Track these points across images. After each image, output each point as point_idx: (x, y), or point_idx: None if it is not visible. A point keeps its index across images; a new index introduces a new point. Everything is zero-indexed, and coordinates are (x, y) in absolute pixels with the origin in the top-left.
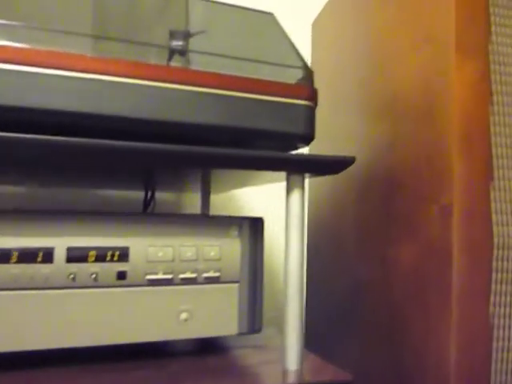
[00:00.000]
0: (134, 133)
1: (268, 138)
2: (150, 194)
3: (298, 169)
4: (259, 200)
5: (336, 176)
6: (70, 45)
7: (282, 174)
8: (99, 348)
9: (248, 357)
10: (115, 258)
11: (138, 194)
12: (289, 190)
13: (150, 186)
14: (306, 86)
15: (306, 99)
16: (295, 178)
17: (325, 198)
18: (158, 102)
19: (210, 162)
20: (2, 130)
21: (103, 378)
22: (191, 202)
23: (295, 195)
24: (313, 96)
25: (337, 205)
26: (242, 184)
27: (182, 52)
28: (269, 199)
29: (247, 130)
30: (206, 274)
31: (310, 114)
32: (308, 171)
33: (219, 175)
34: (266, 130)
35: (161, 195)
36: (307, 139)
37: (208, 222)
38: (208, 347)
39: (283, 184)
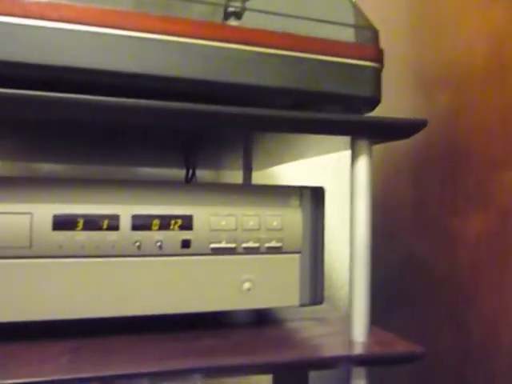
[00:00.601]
0: (194, 95)
1: (332, 102)
2: (191, 171)
3: (365, 133)
4: (299, 178)
5: (388, 146)
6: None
7: (341, 143)
8: (162, 317)
9: (310, 328)
10: (179, 227)
11: (179, 172)
12: (354, 158)
13: (190, 163)
14: (372, 47)
15: (372, 60)
16: (362, 143)
17: (375, 168)
18: (219, 63)
19: (274, 125)
20: (61, 92)
21: (168, 347)
22: (232, 179)
23: (362, 163)
24: (379, 57)
25: (389, 176)
26: (293, 157)
27: (238, 13)
28: (309, 177)
29: (310, 92)
30: (267, 244)
31: (376, 75)
32: (377, 135)
33: (267, 148)
34: (330, 93)
35: (202, 173)
36: (373, 103)
37: (269, 191)
38: (265, 319)
39: (324, 162)
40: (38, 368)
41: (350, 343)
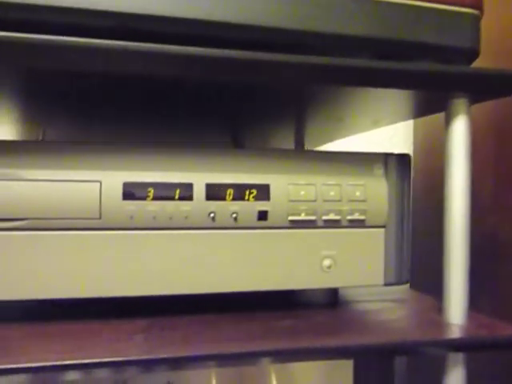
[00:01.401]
0: (269, 44)
1: (425, 53)
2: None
3: (469, 87)
4: None
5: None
6: None
7: (406, 111)
8: (233, 295)
9: (393, 310)
10: (255, 197)
11: None
12: (450, 121)
13: (238, 141)
14: None
15: (471, 6)
16: (460, 102)
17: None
18: (305, 10)
19: (363, 78)
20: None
21: (245, 327)
22: None
23: (460, 126)
24: (479, 2)
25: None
26: (347, 131)
27: None
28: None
29: (401, 42)
30: (350, 217)
31: (475, 24)
32: (482, 91)
33: (322, 121)
34: (424, 43)
35: None
36: (471, 55)
37: (350, 158)
38: (342, 299)
39: (378, 139)
40: (114, 347)
41: (447, 326)
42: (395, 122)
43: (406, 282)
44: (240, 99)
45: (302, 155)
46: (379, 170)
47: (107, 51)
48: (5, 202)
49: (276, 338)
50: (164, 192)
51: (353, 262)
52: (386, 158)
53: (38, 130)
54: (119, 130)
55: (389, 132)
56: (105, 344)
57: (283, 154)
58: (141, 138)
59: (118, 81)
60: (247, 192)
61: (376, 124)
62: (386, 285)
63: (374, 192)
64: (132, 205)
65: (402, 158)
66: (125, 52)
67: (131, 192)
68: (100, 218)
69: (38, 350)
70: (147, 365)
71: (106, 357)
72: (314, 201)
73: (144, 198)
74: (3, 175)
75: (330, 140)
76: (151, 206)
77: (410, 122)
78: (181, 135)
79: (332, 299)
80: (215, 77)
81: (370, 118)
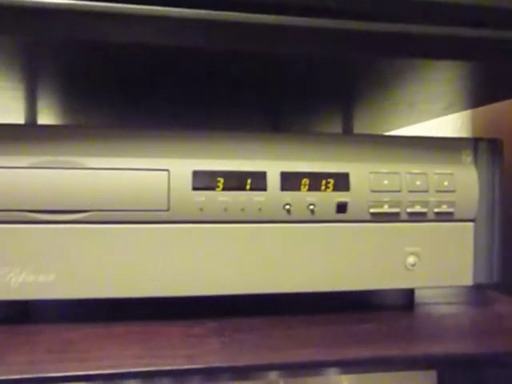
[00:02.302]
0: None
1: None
2: None
3: None
4: None
5: None
6: None
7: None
8: (305, 295)
9: (483, 313)
10: (333, 187)
11: None
12: None
13: (279, 128)
14: None
15: None
16: None
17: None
18: None
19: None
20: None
21: (323, 331)
22: None
23: None
24: None
25: None
26: (396, 123)
27: None
28: None
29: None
30: (437, 209)
31: None
32: None
33: (372, 111)
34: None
35: None
36: None
37: (436, 144)
38: (420, 300)
39: (421, 131)
40: (192, 353)
41: None
42: (467, 107)
43: (498, 283)
44: (300, 79)
45: (383, 141)
46: (468, 157)
47: (163, 19)
48: (66, 193)
49: (355, 345)
50: (235, 182)
51: (439, 260)
52: (475, 143)
53: (79, 116)
54: (157, 115)
55: (433, 124)
56: (180, 349)
57: (363, 139)
58: (177, 123)
59: (168, 59)
60: (324, 182)
61: (447, 110)
62: (475, 286)
63: (463, 182)
64: (202, 195)
65: (494, 144)
66: (182, 20)
67: (201, 182)
68: (168, 209)
69: (111, 355)
70: (232, 372)
71: (186, 364)
72: (399, 191)
73: (213, 189)
74: (64, 163)
75: (390, 129)
76: (222, 197)
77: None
78: (219, 121)
79: (408, 301)
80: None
81: (443, 102)
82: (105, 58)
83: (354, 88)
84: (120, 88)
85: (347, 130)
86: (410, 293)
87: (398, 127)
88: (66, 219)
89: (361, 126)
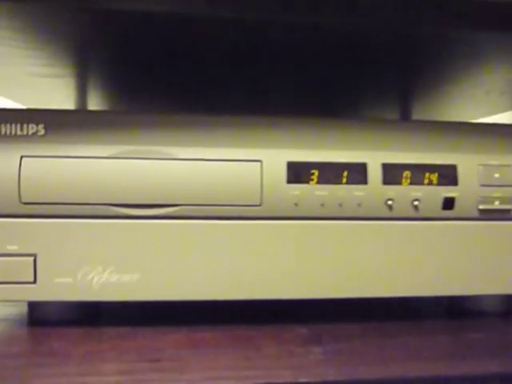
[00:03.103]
0: None
1: None
2: None
3: None
4: None
5: None
6: None
7: None
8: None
9: None
10: (438, 180)
11: None
12: None
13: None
14: None
15: None
16: None
17: None
18: None
19: None
20: None
21: (437, 338)
22: None
23: None
24: None
25: None
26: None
27: None
28: None
29: None
30: None
31: None
32: None
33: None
34: None
35: None
36: None
37: None
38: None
39: None
40: (296, 363)
41: None
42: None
43: None
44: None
45: (491, 129)
46: None
47: None
48: (152, 186)
49: (479, 357)
50: (331, 174)
51: None
52: None
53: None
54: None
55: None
56: (281, 359)
57: (469, 127)
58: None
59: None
60: (427, 175)
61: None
62: None
63: None
64: (297, 189)
65: None
66: None
67: (296, 174)
68: (260, 204)
69: (211, 366)
70: None
71: (301, 376)
72: (511, 186)
73: (308, 182)
74: (151, 153)
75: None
76: (319, 191)
77: None
78: (271, 108)
79: (507, 307)
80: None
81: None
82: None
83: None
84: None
85: (406, 118)
86: (509, 299)
87: (472, 118)
88: (153, 214)
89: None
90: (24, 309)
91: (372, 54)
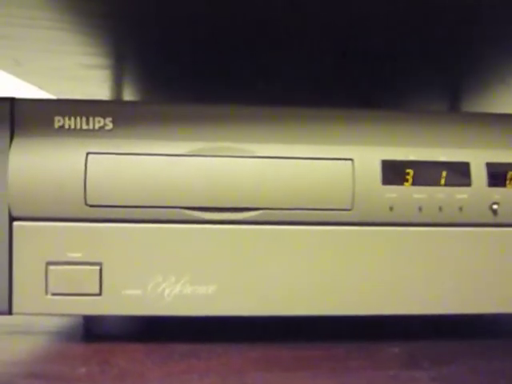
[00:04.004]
0: None
1: None
2: None
3: None
4: None
5: None
6: None
7: None
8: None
9: None
10: None
11: None
12: None
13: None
14: None
15: None
16: None
17: None
18: None
19: None
20: None
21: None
22: None
23: None
24: None
25: None
26: None
27: None
28: None
29: None
30: None
31: None
32: None
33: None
34: None
35: None
36: None
37: None
38: None
39: None
40: None
41: None
42: None
43: None
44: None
45: None
46: None
47: None
48: (231, 187)
49: None
50: (428, 174)
51: None
52: None
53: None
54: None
55: None
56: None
57: None
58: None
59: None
60: None
61: None
62: None
63: None
64: (393, 191)
65: None
66: None
67: (391, 174)
68: (351, 208)
69: None
70: None
71: None
72: None
73: (402, 183)
74: (229, 150)
75: None
76: (417, 193)
77: None
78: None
79: None
80: None
81: None
82: None
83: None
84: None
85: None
86: None
87: None
88: (231, 219)
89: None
90: (75, 320)
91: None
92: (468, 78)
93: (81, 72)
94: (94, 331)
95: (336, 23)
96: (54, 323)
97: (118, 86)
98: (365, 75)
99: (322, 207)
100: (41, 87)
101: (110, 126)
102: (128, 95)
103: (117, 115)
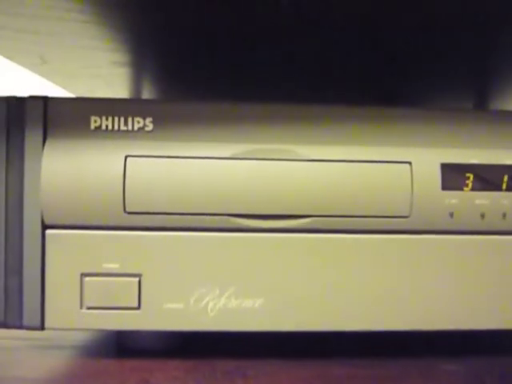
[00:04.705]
0: None
1: None
2: None
3: None
4: None
5: None
6: None
7: None
8: None
9: None
10: None
11: None
12: None
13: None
14: None
15: None
16: None
17: None
18: None
19: None
20: None
21: None
22: None
23: None
24: None
25: None
26: None
27: None
28: None
29: None
30: None
31: None
32: None
33: None
34: None
35: None
36: None
37: None
38: None
39: None
40: None
41: None
42: None
43: None
44: None
45: None
46: None
47: None
48: (281, 192)
49: None
50: (489, 178)
51: None
52: None
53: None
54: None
55: None
56: None
57: None
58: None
59: None
60: None
61: None
62: None
63: None
64: (454, 197)
65: None
66: None
67: (451, 178)
68: (409, 215)
69: None
70: None
71: None
72: None
73: (462, 188)
74: (278, 153)
75: None
76: (479, 199)
77: None
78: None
79: None
80: None
81: None
82: None
83: None
84: None
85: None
86: None
87: None
88: (280, 227)
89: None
90: (105, 334)
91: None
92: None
93: (104, 70)
94: (128, 346)
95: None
96: (83, 337)
97: (139, 85)
98: (389, 70)
99: (378, 214)
100: (64, 87)
101: (150, 126)
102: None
103: (157, 115)
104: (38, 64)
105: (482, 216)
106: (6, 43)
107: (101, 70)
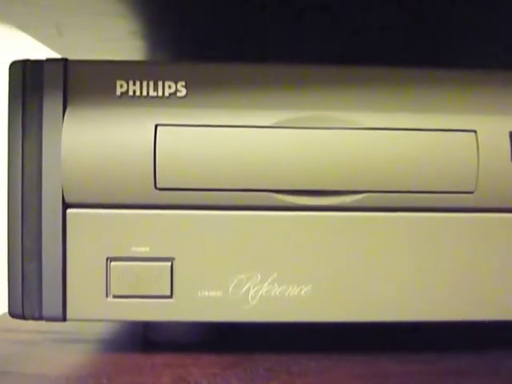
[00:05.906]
0: None
1: None
2: None
3: None
4: None
5: None
6: None
7: None
8: None
9: None
10: None
11: None
12: None
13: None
14: None
15: None
16: None
17: None
18: None
19: None
20: None
21: None
22: None
23: None
24: None
25: None
26: None
27: None
28: None
29: None
30: None
31: None
32: None
33: None
34: None
35: None
36: None
37: None
38: None
39: None
40: None
41: None
42: None
43: None
44: None
45: None
46: None
47: None
48: (330, 165)
49: None
50: None
51: None
52: None
53: None
54: None
55: None
56: None
57: None
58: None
59: None
60: None
61: None
62: None
63: None
64: None
65: None
66: None
67: None
68: (474, 191)
69: None
70: None
71: None
72: None
73: None
74: (327, 120)
75: None
76: None
77: None
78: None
79: None
80: None
81: None
82: None
83: None
84: None
85: None
86: None
87: None
88: (329, 204)
89: None
90: (130, 325)
91: None
92: None
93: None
94: (156, 339)
95: None
96: (106, 329)
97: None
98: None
99: (438, 189)
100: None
101: (182, 91)
102: None
103: (191, 79)
104: (55, 36)
105: None
106: (20, 10)
107: (118, 44)
